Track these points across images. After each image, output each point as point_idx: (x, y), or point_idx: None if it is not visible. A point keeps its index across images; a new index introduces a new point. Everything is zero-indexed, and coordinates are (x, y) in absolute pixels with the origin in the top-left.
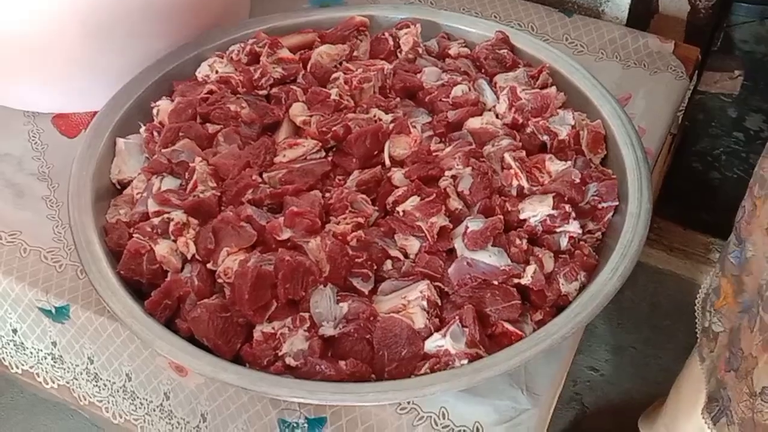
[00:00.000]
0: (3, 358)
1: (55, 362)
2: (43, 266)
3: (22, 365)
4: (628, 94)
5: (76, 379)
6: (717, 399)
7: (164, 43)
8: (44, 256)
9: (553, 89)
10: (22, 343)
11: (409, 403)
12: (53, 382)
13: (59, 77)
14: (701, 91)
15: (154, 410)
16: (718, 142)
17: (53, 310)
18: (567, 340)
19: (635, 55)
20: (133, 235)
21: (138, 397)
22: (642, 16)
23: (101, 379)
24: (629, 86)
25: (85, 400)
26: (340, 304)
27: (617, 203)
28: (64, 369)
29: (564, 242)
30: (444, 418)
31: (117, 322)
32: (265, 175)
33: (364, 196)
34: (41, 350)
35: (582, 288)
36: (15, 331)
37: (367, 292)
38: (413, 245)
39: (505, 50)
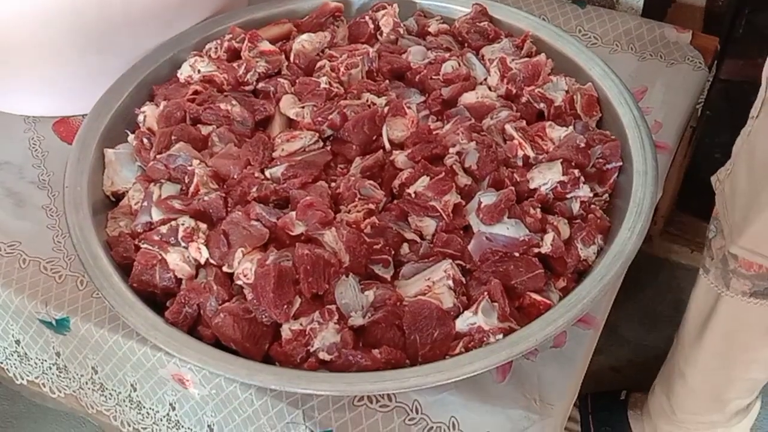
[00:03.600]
0: (7, 368)
1: (60, 372)
2: (42, 277)
3: (27, 376)
4: (644, 87)
5: (82, 389)
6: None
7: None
8: (44, 267)
9: (542, 56)
10: (26, 354)
11: (417, 413)
12: (60, 392)
13: (54, 80)
14: (723, 79)
15: (161, 420)
16: None
17: (54, 322)
18: (582, 346)
19: (651, 47)
20: (141, 246)
21: (144, 407)
22: (658, 6)
23: (107, 388)
24: (645, 79)
25: (93, 408)
26: (365, 292)
27: (621, 163)
28: (70, 379)
29: (576, 207)
30: (454, 429)
31: (118, 334)
32: (267, 172)
33: (371, 182)
34: (45, 360)
35: (600, 251)
36: (18, 342)
37: (389, 278)
38: (429, 226)
39: (486, 22)
